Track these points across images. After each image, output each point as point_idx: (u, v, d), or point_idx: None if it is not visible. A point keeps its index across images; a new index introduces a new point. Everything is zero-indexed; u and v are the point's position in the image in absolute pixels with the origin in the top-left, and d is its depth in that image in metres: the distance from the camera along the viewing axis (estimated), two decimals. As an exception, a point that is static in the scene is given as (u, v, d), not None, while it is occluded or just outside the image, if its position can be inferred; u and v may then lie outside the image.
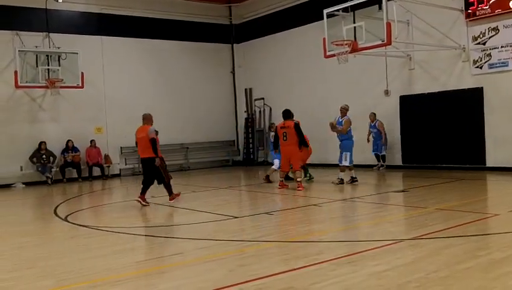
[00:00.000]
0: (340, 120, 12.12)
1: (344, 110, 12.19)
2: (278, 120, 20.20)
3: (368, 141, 16.14)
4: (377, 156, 16.22)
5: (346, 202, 9.95)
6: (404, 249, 6.00)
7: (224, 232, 7.57)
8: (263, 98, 20.84)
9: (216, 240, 7.00)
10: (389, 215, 8.45)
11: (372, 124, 16.02)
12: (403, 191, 11.54)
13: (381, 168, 15.94)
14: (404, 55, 15.61)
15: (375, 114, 15.98)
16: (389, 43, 12.74)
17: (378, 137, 15.92)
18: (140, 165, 12.03)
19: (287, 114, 12.38)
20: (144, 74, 19.53)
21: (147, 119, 10.75)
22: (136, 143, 10.78)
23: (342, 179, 12.12)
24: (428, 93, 15.24)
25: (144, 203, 10.37)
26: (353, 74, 16.89)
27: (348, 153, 11.99)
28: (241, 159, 21.83)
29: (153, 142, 10.26)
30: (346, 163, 11.99)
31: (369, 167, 16.09)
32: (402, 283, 4.65)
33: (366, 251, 5.84)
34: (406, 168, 15.70)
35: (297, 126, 12.15)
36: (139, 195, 10.54)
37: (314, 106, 18.62)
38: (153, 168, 10.38)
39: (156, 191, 11.08)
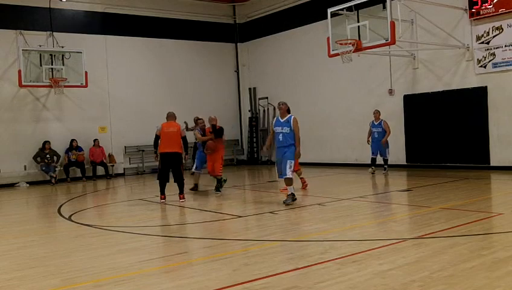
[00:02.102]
0: (282, 121, 9.54)
1: (284, 108, 9.63)
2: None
3: (368, 142, 14.72)
4: (373, 159, 14.63)
5: (351, 201, 9.94)
6: (409, 248, 6.00)
7: (228, 232, 7.58)
8: (267, 97, 20.85)
9: (220, 239, 7.01)
10: (393, 215, 8.45)
11: (377, 123, 14.70)
12: (407, 190, 11.52)
13: (384, 172, 14.46)
14: (408, 54, 15.59)
15: (379, 112, 14.78)
16: (393, 42, 12.73)
17: (382, 137, 14.44)
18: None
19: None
20: (147, 73, 19.56)
21: (173, 116, 11.09)
22: (157, 137, 10.80)
23: (294, 195, 9.62)
24: (432, 92, 15.21)
25: (182, 200, 10.75)
26: (357, 73, 16.87)
27: (293, 162, 9.53)
28: (245, 158, 21.85)
29: (185, 139, 10.92)
30: (291, 174, 9.47)
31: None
32: (406, 282, 4.64)
33: (370, 250, 5.84)
34: (410, 167, 15.68)
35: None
36: (179, 198, 10.75)
37: (318, 105, 18.62)
38: (178, 163, 10.70)
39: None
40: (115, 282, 5.21)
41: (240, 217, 8.78)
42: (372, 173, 14.36)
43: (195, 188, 12.34)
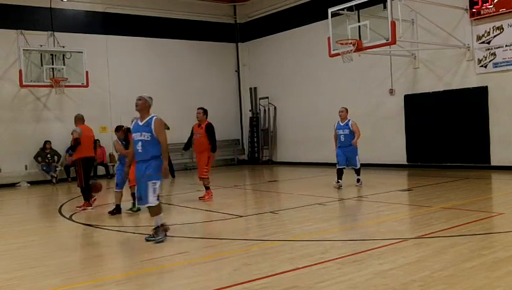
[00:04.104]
0: (141, 124, 7.05)
1: (143, 105, 7.15)
2: (284, 118, 20.36)
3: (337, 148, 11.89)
4: (341, 171, 11.69)
5: (351, 201, 9.95)
6: (409, 248, 6.00)
7: (229, 231, 7.58)
8: (268, 97, 20.85)
9: (221, 239, 7.01)
10: (393, 214, 8.44)
11: (343, 124, 11.83)
12: (407, 190, 11.52)
13: (357, 184, 11.90)
14: (408, 54, 15.58)
15: (347, 110, 11.98)
16: (393, 42, 12.73)
17: (351, 141, 11.61)
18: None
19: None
20: (148, 72, 19.55)
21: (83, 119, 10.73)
22: (78, 141, 10.23)
23: (159, 229, 6.96)
24: (433, 92, 15.20)
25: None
26: (358, 73, 16.87)
27: (158, 182, 6.92)
28: (246, 158, 21.85)
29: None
30: (156, 200, 6.88)
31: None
32: (407, 281, 4.65)
33: (371, 249, 5.84)
34: (411, 167, 15.67)
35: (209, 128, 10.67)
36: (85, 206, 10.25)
37: (319, 105, 18.62)
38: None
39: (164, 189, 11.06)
40: (115, 282, 5.22)
41: (241, 216, 8.79)
42: (339, 187, 11.54)
43: (116, 211, 9.52)
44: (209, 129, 10.59)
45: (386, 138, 16.35)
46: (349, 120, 11.75)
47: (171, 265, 5.87)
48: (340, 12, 13.85)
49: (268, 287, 4.70)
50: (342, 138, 11.74)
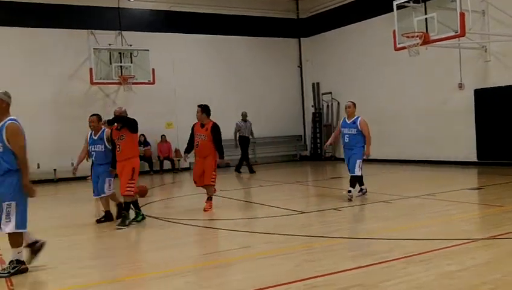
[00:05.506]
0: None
1: (1, 107, 5.50)
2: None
3: (326, 147, 11.06)
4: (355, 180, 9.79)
5: (417, 199, 9.66)
6: (479, 249, 5.76)
7: (291, 227, 7.56)
8: (331, 93, 20.64)
9: (283, 234, 7.01)
10: (462, 214, 8.13)
11: (349, 121, 9.95)
12: (477, 188, 11.07)
13: (348, 195, 9.63)
14: (479, 46, 14.91)
15: (354, 104, 10.14)
16: (462, 34, 12.26)
17: (357, 143, 9.72)
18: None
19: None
20: (212, 69, 19.86)
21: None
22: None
23: (20, 261, 5.54)
24: (506, 86, 14.49)
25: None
26: (424, 67, 16.33)
27: (15, 204, 5.41)
28: (308, 154, 21.74)
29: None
30: (11, 227, 5.39)
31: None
32: (476, 284, 4.47)
33: (437, 249, 5.65)
34: (482, 165, 15.01)
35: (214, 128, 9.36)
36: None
37: (382, 100, 18.21)
38: None
39: (223, 184, 11.22)
40: (177, 274, 5.33)
41: (303, 213, 8.75)
42: (349, 199, 9.57)
43: (105, 219, 8.81)
44: (216, 131, 9.31)
45: (454, 134, 15.75)
46: (357, 117, 9.84)
47: (233, 259, 5.93)
48: (406, 4, 13.48)
49: (330, 285, 4.65)
50: (347, 139, 9.81)
